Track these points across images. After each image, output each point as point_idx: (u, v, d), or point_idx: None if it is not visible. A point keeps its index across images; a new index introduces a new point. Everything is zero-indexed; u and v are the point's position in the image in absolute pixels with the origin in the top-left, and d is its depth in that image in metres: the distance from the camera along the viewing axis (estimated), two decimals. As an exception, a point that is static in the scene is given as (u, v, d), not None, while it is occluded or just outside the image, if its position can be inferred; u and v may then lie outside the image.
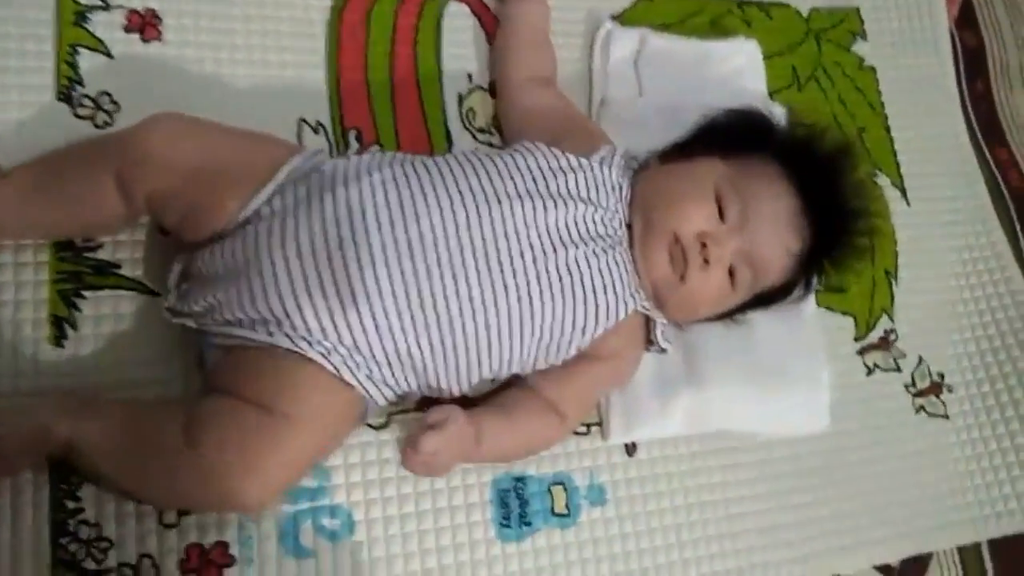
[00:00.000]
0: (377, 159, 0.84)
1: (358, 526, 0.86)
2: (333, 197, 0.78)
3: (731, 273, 0.87)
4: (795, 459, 1.03)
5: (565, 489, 0.93)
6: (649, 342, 0.92)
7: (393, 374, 0.80)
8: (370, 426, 0.88)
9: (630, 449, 0.97)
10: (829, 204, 0.90)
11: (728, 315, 0.95)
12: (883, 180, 1.21)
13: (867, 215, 0.93)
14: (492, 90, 1.04)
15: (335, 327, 0.76)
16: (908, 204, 1.21)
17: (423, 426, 0.80)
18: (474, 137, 1.02)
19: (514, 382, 0.87)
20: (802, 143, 0.92)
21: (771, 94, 1.17)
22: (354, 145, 0.98)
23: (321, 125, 0.97)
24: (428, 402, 0.86)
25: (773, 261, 0.88)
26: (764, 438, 1.02)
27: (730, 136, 0.93)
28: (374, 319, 0.76)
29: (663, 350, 0.92)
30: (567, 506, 0.93)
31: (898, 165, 1.22)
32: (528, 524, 0.91)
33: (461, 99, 1.03)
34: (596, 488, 0.95)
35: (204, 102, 0.88)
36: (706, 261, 0.84)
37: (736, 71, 1.13)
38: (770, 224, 0.87)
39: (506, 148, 0.92)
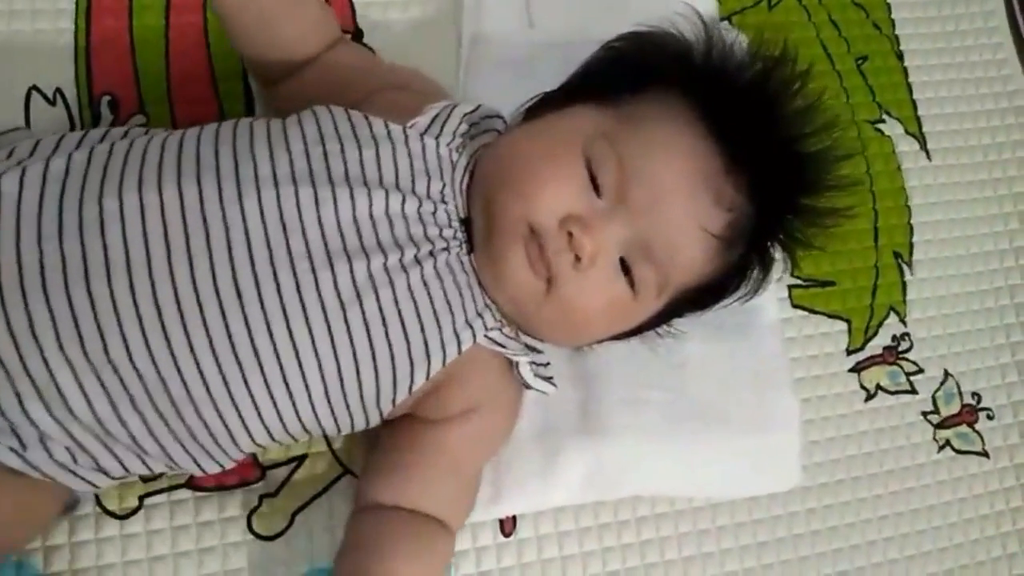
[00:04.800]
0: (73, 140, 0.61)
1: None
2: None
3: (627, 270, 0.63)
4: (757, 528, 0.80)
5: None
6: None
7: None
8: (112, 514, 0.67)
9: (506, 527, 0.74)
10: (767, 149, 0.63)
11: (641, 330, 0.70)
12: (893, 127, 0.95)
13: (832, 159, 0.66)
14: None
15: None
16: (929, 158, 0.95)
17: None
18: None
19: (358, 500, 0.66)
20: (719, 64, 0.66)
21: (727, 17, 0.92)
22: (107, 117, 0.74)
23: (60, 93, 0.74)
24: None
25: (682, 248, 0.63)
26: (705, 501, 0.79)
27: (618, 71, 0.67)
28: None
29: (544, 391, 0.69)
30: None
31: (915, 105, 0.96)
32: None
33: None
34: (453, 585, 0.71)
35: None
36: (578, 257, 0.61)
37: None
38: (671, 191, 0.62)
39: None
